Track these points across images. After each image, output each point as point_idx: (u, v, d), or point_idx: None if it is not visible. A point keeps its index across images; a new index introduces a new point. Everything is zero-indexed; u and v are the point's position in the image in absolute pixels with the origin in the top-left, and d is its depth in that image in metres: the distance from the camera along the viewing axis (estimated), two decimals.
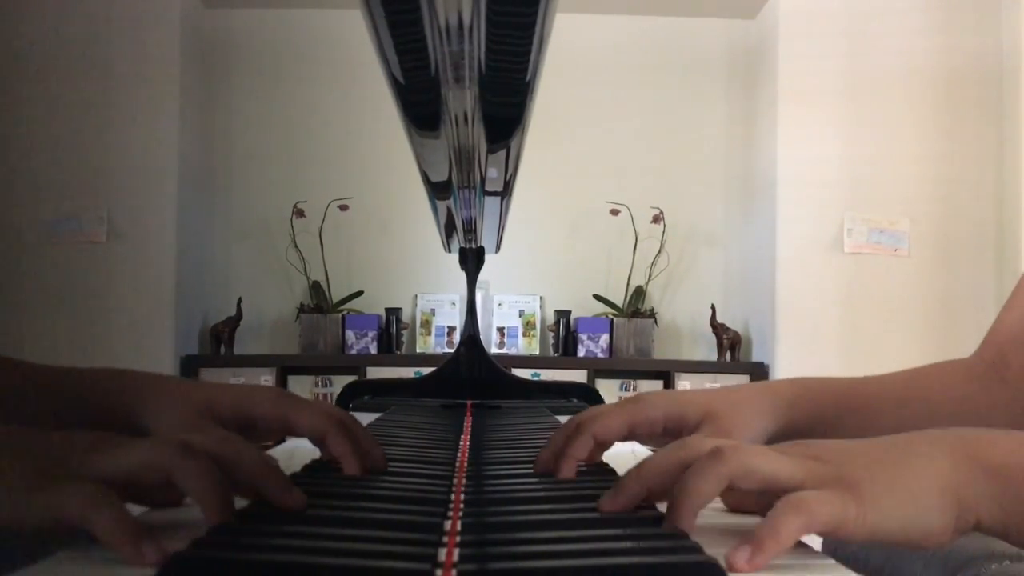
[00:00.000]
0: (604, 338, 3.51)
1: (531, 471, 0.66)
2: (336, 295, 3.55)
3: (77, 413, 0.70)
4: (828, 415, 0.73)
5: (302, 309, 3.53)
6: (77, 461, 0.45)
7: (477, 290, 1.49)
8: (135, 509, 0.45)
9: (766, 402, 0.71)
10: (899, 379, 0.78)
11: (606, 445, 0.68)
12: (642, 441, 0.74)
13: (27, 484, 0.41)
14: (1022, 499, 0.45)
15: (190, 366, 3.36)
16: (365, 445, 0.65)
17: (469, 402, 1.33)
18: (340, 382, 2.69)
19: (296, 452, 0.69)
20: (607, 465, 0.70)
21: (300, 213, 3.51)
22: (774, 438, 0.70)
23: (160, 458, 0.45)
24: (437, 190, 1.04)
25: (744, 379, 3.37)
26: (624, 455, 0.72)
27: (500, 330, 3.61)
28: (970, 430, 0.49)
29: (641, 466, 0.49)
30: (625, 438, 0.69)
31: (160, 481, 0.46)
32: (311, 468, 0.66)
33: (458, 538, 0.43)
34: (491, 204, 1.12)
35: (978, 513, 0.45)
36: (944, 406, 0.75)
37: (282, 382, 3.42)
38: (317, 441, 0.66)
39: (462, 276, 1.47)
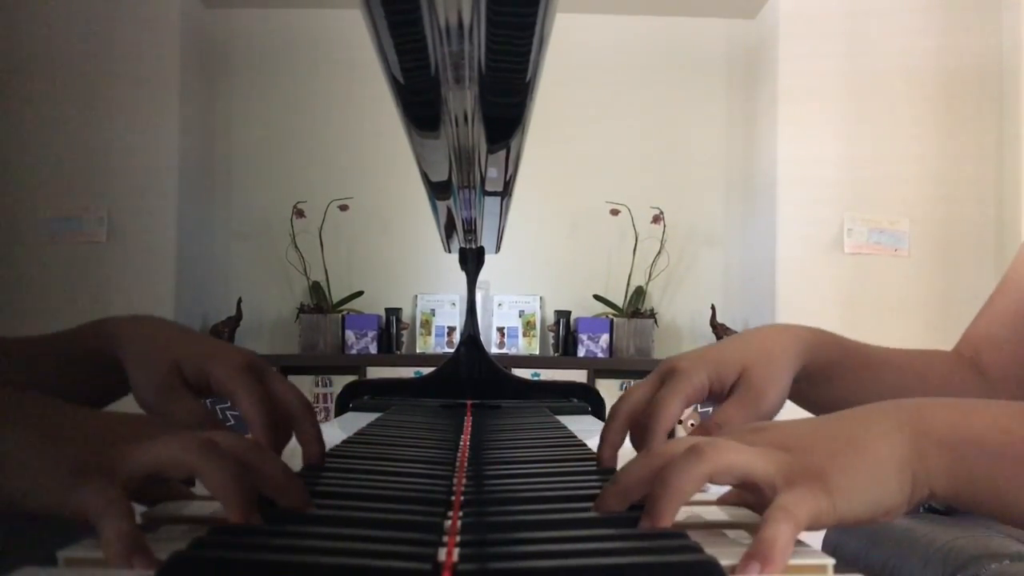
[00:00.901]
0: (604, 338, 3.51)
1: (531, 471, 0.66)
2: (336, 295, 3.55)
3: (73, 374, 0.73)
4: (836, 367, 0.77)
5: (302, 309, 3.53)
6: (113, 454, 0.46)
7: (477, 290, 1.49)
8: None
9: (791, 350, 0.73)
10: (899, 353, 0.82)
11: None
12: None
13: (63, 483, 0.44)
14: (970, 469, 0.48)
15: None
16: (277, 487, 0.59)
17: (469, 402, 1.33)
18: (340, 382, 2.68)
19: (297, 451, 0.69)
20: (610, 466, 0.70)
21: (300, 213, 3.51)
22: (796, 379, 0.73)
23: (188, 456, 0.46)
24: (437, 190, 1.04)
25: None
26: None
27: (500, 330, 3.61)
28: (919, 401, 0.51)
29: (616, 480, 0.49)
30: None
31: (182, 477, 0.47)
32: (311, 468, 0.66)
33: (458, 538, 0.43)
34: (491, 204, 1.12)
35: (931, 484, 0.48)
36: (935, 389, 0.79)
37: None
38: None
39: (462, 276, 1.47)
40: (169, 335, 0.72)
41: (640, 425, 0.68)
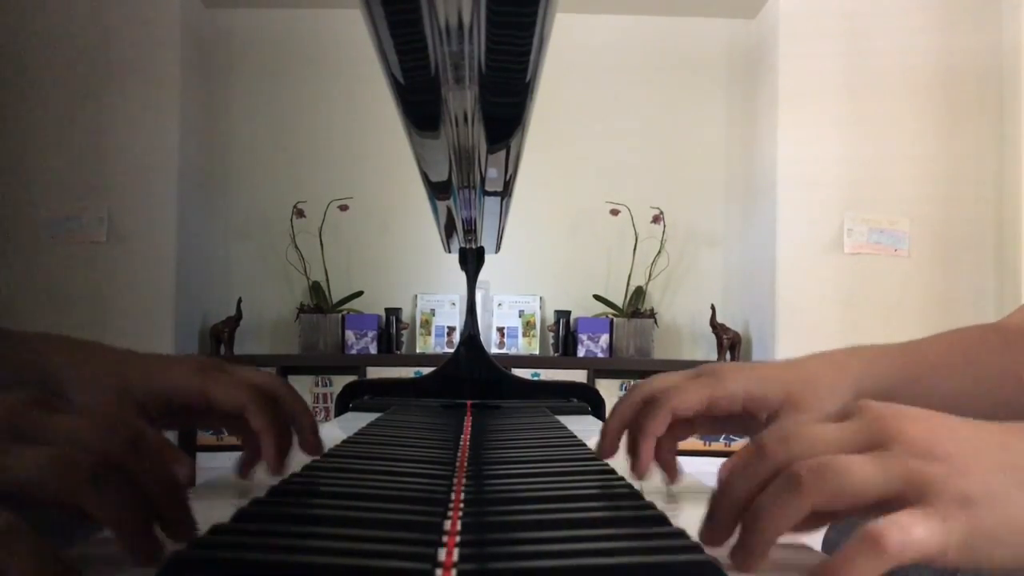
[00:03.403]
0: (604, 338, 3.51)
1: (531, 471, 0.66)
2: (336, 295, 3.55)
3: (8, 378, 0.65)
4: (888, 386, 0.68)
5: (302, 309, 3.53)
6: None
7: (477, 290, 1.50)
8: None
9: (839, 379, 0.67)
10: (943, 346, 0.74)
11: (684, 416, 0.64)
12: (715, 421, 0.67)
13: None
14: None
15: None
16: (299, 421, 0.61)
17: (469, 402, 1.33)
18: (340, 382, 2.68)
19: (297, 451, 0.69)
20: (607, 465, 0.70)
21: (300, 213, 3.51)
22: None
23: (67, 482, 0.37)
24: (437, 190, 1.04)
25: None
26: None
27: (500, 330, 3.61)
28: None
29: (727, 489, 0.42)
30: (702, 415, 0.64)
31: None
32: (311, 468, 0.66)
33: (458, 538, 0.43)
34: (491, 204, 1.12)
35: None
36: (990, 377, 0.72)
37: None
38: (236, 419, 0.61)
39: (462, 276, 1.47)
40: (110, 360, 0.65)
41: (658, 404, 0.62)
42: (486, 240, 1.44)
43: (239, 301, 3.51)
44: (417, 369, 3.21)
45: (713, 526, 0.42)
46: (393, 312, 3.55)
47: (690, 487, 0.67)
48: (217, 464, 3.33)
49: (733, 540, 0.41)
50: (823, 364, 0.69)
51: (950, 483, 0.36)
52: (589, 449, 0.79)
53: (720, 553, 0.40)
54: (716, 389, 0.63)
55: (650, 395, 0.63)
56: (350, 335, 3.48)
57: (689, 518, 0.46)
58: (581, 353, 3.50)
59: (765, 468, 0.41)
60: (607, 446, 0.65)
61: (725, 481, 0.43)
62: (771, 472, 0.40)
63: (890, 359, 0.72)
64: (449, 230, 1.36)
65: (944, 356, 0.74)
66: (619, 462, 0.70)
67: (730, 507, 0.42)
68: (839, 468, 0.38)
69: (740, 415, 0.65)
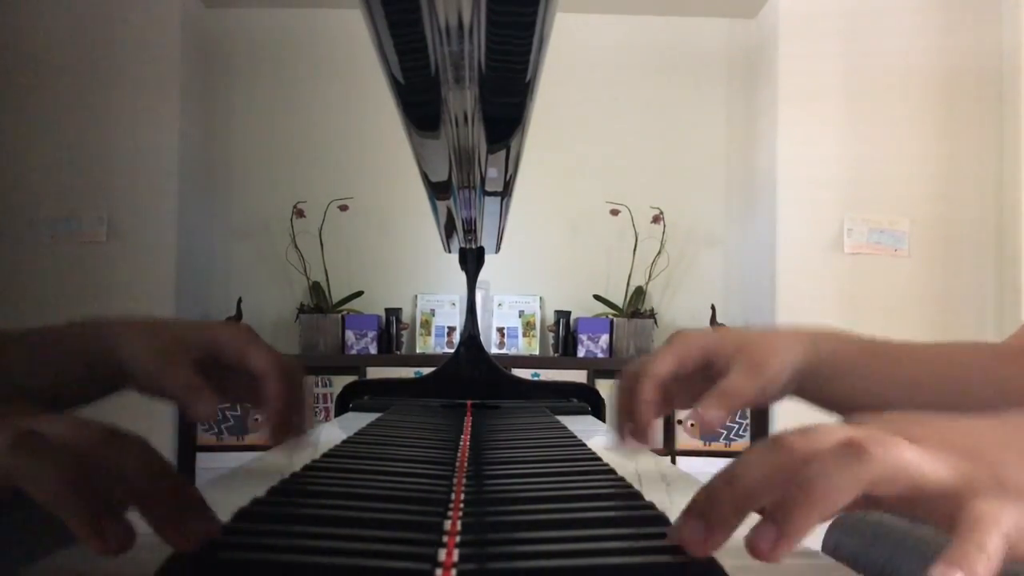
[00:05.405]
0: (604, 338, 3.51)
1: (531, 471, 0.66)
2: (336, 295, 3.55)
3: (56, 369, 0.68)
4: (847, 361, 0.71)
5: (302, 309, 3.53)
6: None
7: (477, 290, 1.50)
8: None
9: (792, 336, 0.70)
10: (928, 346, 0.75)
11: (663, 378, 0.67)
12: (689, 384, 0.70)
13: None
14: None
15: None
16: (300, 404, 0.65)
17: (469, 402, 1.33)
18: (340, 382, 2.68)
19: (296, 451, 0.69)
20: (608, 465, 0.70)
21: (300, 213, 3.51)
22: (800, 374, 0.69)
23: None
24: (437, 190, 1.04)
25: None
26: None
27: (500, 330, 3.61)
28: None
29: (732, 479, 0.37)
30: (675, 374, 0.68)
31: None
32: (311, 468, 0.66)
33: (458, 538, 0.43)
34: (491, 204, 1.12)
35: None
36: (980, 387, 0.72)
37: None
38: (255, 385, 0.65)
39: (462, 276, 1.47)
40: (163, 321, 0.70)
41: (641, 377, 0.66)
42: (486, 240, 1.44)
43: (239, 301, 3.51)
44: (417, 369, 3.21)
45: (709, 524, 0.36)
46: (393, 312, 3.55)
47: (691, 485, 0.67)
48: (217, 464, 3.33)
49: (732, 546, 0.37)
50: (783, 329, 0.72)
51: (993, 473, 0.36)
52: (589, 449, 0.79)
53: (722, 551, 0.39)
54: (679, 349, 0.67)
55: (630, 375, 0.67)
56: (350, 335, 3.48)
57: None
58: (581, 353, 3.50)
59: (784, 457, 0.37)
60: (627, 427, 0.67)
61: (729, 473, 0.38)
62: (792, 461, 0.37)
63: (860, 343, 0.73)
64: (449, 230, 1.36)
65: (929, 358, 0.74)
66: (619, 462, 0.70)
67: (737, 499, 0.37)
68: (903, 446, 0.36)
69: (702, 370, 0.67)
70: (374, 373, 3.34)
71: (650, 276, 3.59)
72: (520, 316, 3.63)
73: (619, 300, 3.58)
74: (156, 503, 0.36)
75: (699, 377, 0.68)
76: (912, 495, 0.36)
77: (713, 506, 0.37)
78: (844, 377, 0.70)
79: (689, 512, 0.37)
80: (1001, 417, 0.41)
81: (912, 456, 0.36)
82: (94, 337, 0.68)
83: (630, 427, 0.66)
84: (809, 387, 0.70)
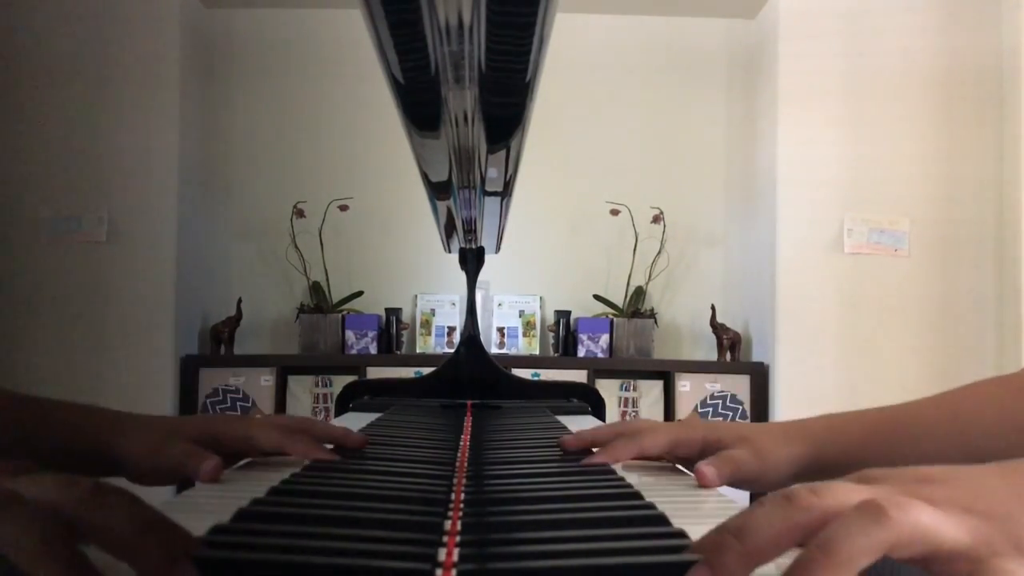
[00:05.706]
0: (604, 338, 3.51)
1: (531, 471, 0.66)
2: (336, 295, 3.55)
3: (39, 444, 0.71)
4: (856, 447, 0.71)
5: (302, 309, 3.53)
6: None
7: (477, 290, 1.50)
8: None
9: (794, 430, 0.72)
10: (929, 403, 0.75)
11: (649, 456, 0.73)
12: (679, 459, 0.75)
13: None
14: None
15: (190, 366, 3.36)
16: (335, 437, 0.75)
17: (469, 402, 1.33)
18: (340, 382, 2.68)
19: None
20: (608, 466, 0.70)
21: (300, 213, 3.51)
22: (803, 467, 0.71)
23: None
24: (437, 190, 1.04)
25: (744, 379, 3.38)
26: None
27: (500, 330, 3.61)
28: None
29: (742, 533, 0.37)
30: (667, 453, 0.73)
31: None
32: (311, 468, 0.66)
33: (458, 538, 0.43)
34: (491, 204, 1.12)
35: None
36: (981, 425, 0.71)
37: (282, 382, 3.42)
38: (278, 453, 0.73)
39: (462, 276, 1.47)
40: (160, 416, 0.76)
41: (633, 439, 0.72)
42: (486, 240, 1.44)
43: (239, 301, 3.51)
44: (417, 369, 3.21)
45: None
46: (393, 312, 3.55)
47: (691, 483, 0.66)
48: None
49: None
50: (783, 422, 0.74)
51: (1009, 534, 0.37)
52: (589, 450, 0.79)
53: None
54: (680, 434, 0.71)
55: (626, 430, 0.73)
56: (350, 335, 3.48)
57: (689, 518, 0.46)
58: (581, 353, 3.50)
59: (800, 515, 0.37)
60: (571, 442, 0.76)
61: (739, 525, 0.37)
62: (805, 519, 0.37)
63: (854, 422, 0.73)
64: (449, 230, 1.36)
65: (926, 415, 0.73)
66: (619, 463, 0.70)
67: (748, 554, 0.36)
68: (921, 508, 0.36)
69: (697, 456, 0.71)
70: (374, 373, 3.34)
71: (650, 276, 3.59)
72: (520, 316, 3.63)
73: (619, 300, 3.58)
74: (144, 559, 0.36)
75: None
76: (930, 556, 0.36)
77: (722, 558, 0.36)
78: (854, 466, 0.69)
79: (711, 568, 0.37)
80: (1013, 465, 0.41)
81: (930, 519, 0.36)
82: (91, 432, 0.71)
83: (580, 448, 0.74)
84: (817, 478, 0.69)
